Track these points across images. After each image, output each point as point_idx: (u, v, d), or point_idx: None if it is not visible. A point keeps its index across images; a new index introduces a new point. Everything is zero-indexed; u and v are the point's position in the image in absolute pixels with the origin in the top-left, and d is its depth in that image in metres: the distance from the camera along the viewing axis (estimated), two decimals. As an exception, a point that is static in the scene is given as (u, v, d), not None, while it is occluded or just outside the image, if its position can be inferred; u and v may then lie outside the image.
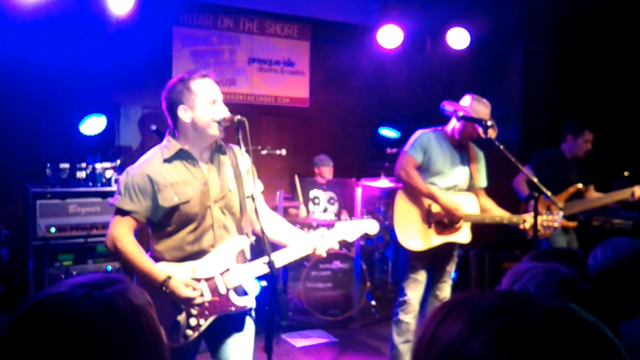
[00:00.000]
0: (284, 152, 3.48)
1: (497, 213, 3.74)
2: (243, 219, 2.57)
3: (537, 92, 6.09)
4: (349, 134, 6.82)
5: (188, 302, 2.36)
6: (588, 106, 5.75)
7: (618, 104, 5.77)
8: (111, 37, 5.16)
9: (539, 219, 3.30)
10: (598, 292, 1.25)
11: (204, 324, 2.42)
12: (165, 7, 5.66)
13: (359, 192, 5.30)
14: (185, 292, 2.33)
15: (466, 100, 3.70)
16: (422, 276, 3.76)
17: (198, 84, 2.46)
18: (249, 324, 2.59)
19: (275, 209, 5.01)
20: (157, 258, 2.46)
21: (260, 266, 2.47)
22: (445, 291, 3.87)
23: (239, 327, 2.55)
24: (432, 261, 3.81)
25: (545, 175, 4.53)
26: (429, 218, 3.69)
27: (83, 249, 4.52)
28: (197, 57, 5.95)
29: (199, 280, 2.43)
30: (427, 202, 3.69)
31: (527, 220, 3.54)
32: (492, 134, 3.42)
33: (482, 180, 3.87)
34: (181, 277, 2.37)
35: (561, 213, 3.29)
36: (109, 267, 4.58)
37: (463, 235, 3.72)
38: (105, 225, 4.48)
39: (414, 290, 3.75)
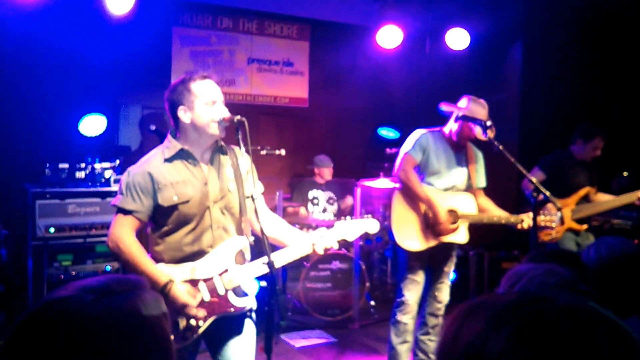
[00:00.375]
0: (283, 152, 3.47)
1: (496, 213, 3.75)
2: (242, 220, 2.57)
3: (536, 93, 6.10)
4: (348, 134, 6.82)
5: (185, 309, 2.36)
6: (588, 106, 5.75)
7: (617, 104, 5.78)
8: (110, 37, 5.16)
9: (537, 218, 3.30)
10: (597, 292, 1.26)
11: (203, 325, 2.42)
12: (164, 7, 5.66)
13: (358, 192, 5.30)
14: (185, 298, 2.34)
15: (463, 102, 3.71)
16: (420, 277, 3.76)
17: (198, 85, 2.47)
18: (249, 325, 2.59)
19: (274, 209, 5.01)
20: (156, 259, 2.47)
21: (259, 266, 2.47)
22: (443, 292, 3.87)
23: (239, 328, 2.55)
24: (430, 262, 3.81)
25: (555, 177, 4.54)
26: (426, 219, 3.69)
27: (82, 249, 4.51)
28: (196, 58, 5.95)
29: (197, 281, 2.43)
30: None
31: (524, 220, 3.54)
32: (490, 134, 3.43)
33: (480, 181, 3.87)
34: (184, 285, 2.38)
35: (559, 213, 3.30)
36: (108, 267, 4.58)
37: (460, 235, 3.72)
38: (104, 226, 4.48)
39: (412, 291, 3.75)
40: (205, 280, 2.44)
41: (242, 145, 2.40)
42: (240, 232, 2.58)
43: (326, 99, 6.67)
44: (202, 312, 2.39)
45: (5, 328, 4.36)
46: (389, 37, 6.04)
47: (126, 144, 5.85)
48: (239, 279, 2.48)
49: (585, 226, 4.55)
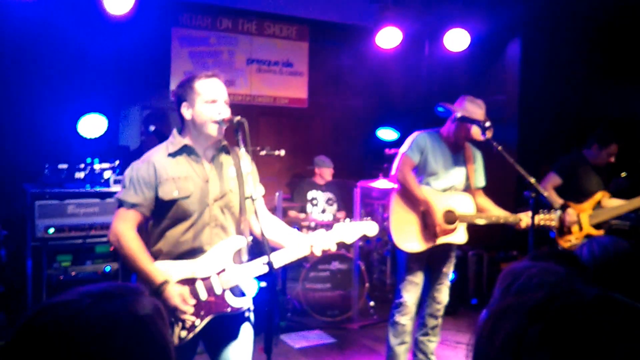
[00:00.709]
0: (282, 152, 3.48)
1: (494, 213, 3.75)
2: (242, 220, 2.57)
3: (535, 94, 6.10)
4: (347, 135, 6.83)
5: (176, 312, 2.36)
6: (587, 107, 5.76)
7: (617, 105, 5.78)
8: (109, 38, 5.17)
9: (536, 218, 3.31)
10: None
11: (199, 324, 2.42)
12: (164, 8, 5.66)
13: (357, 193, 5.31)
14: (176, 301, 2.34)
15: (460, 102, 3.71)
16: (418, 278, 3.77)
17: (201, 84, 2.50)
18: (247, 326, 2.59)
19: (274, 209, 5.01)
20: (155, 254, 2.48)
21: (257, 267, 2.48)
22: (443, 293, 3.87)
23: (237, 330, 2.56)
24: (429, 263, 3.81)
25: (571, 182, 4.56)
26: (424, 219, 3.69)
27: (82, 249, 4.50)
28: (195, 58, 5.95)
29: (195, 279, 2.44)
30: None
31: (523, 219, 3.54)
32: (488, 134, 3.43)
33: (479, 180, 3.87)
34: (177, 287, 2.38)
35: (558, 212, 3.30)
36: (108, 268, 4.58)
37: (459, 235, 3.72)
38: (104, 226, 4.48)
39: (411, 292, 3.75)
40: (202, 279, 2.45)
41: (241, 145, 2.41)
42: (239, 232, 2.59)
43: (325, 99, 6.67)
44: (191, 318, 2.39)
45: (4, 329, 4.35)
46: (388, 37, 6.05)
47: (125, 144, 5.85)
48: (237, 279, 2.49)
49: (602, 232, 4.55)
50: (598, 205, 4.63)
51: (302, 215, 5.83)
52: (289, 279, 5.26)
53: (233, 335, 2.55)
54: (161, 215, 2.48)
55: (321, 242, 2.57)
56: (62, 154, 4.85)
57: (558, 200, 4.57)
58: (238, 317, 2.56)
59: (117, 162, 4.79)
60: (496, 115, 5.82)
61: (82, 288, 0.93)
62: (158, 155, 2.52)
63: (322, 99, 6.64)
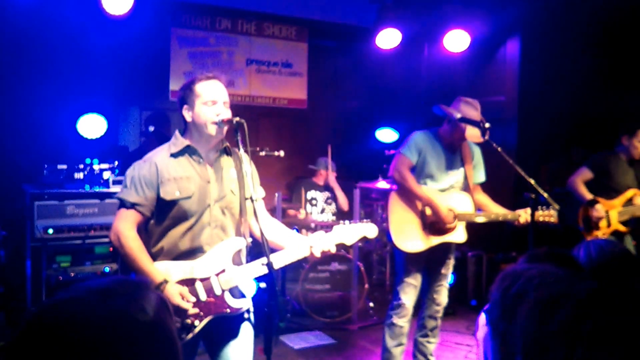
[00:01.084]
0: (282, 153, 3.46)
1: (493, 210, 3.74)
2: (242, 221, 2.58)
3: (535, 94, 6.10)
4: (347, 136, 6.82)
5: (177, 311, 2.36)
6: (587, 108, 5.76)
7: (616, 105, 5.78)
8: (109, 38, 5.16)
9: (535, 214, 3.31)
10: None
11: (199, 325, 2.42)
12: (163, 8, 5.66)
13: (356, 194, 5.30)
14: (177, 300, 2.35)
15: (455, 104, 3.70)
16: (417, 280, 3.77)
17: (201, 85, 2.52)
18: (247, 327, 2.59)
19: (273, 210, 5.01)
20: (154, 254, 2.48)
21: (257, 268, 2.48)
22: (442, 294, 3.87)
23: (237, 330, 2.56)
24: (428, 265, 3.81)
25: (602, 177, 4.57)
26: (423, 219, 3.69)
27: (81, 250, 4.50)
28: (195, 59, 5.95)
29: (194, 280, 2.44)
30: (420, 203, 3.69)
31: (522, 215, 3.54)
32: (485, 136, 3.44)
33: (478, 177, 3.87)
34: (177, 287, 2.39)
35: (556, 205, 3.30)
36: (107, 269, 4.57)
37: (458, 235, 3.72)
38: (103, 227, 4.48)
39: (409, 294, 3.75)
40: (202, 280, 2.45)
41: (240, 146, 2.42)
42: (239, 233, 2.59)
43: (325, 100, 6.67)
44: (195, 311, 2.40)
45: (4, 329, 4.35)
46: (388, 38, 6.05)
47: (124, 144, 5.85)
48: (236, 280, 2.49)
49: (628, 228, 4.55)
50: (629, 202, 4.62)
51: (301, 216, 5.82)
52: (289, 280, 5.26)
53: (233, 335, 2.55)
54: (162, 215, 2.49)
55: (321, 244, 2.57)
56: (62, 155, 4.84)
57: (587, 195, 4.58)
58: (238, 317, 2.56)
59: (116, 163, 4.79)
60: (495, 116, 5.82)
61: (84, 285, 0.92)
62: (160, 155, 2.53)
63: (322, 99, 6.64)
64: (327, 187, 6.06)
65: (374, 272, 6.37)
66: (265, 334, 2.26)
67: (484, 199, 3.84)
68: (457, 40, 6.14)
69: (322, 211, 6.01)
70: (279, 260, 2.52)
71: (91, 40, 5.14)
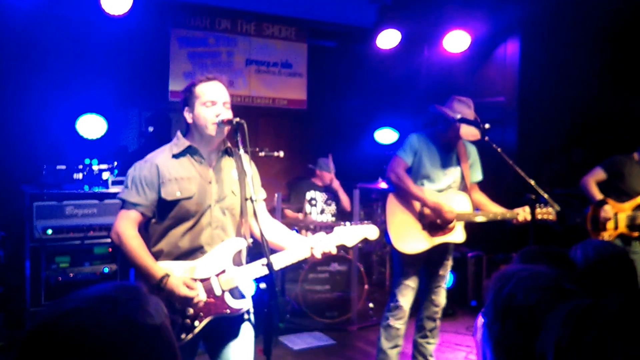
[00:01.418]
0: (281, 154, 3.46)
1: (491, 209, 3.74)
2: (242, 222, 2.58)
3: (535, 95, 6.10)
4: (346, 136, 6.81)
5: (185, 301, 2.36)
6: (587, 108, 5.75)
7: (617, 106, 5.78)
8: (108, 38, 5.15)
9: (534, 212, 3.30)
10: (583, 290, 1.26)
11: (199, 325, 2.42)
12: (162, 8, 5.65)
13: (356, 194, 5.30)
14: (183, 290, 2.34)
15: (449, 104, 3.69)
16: (414, 282, 3.76)
17: (201, 87, 2.54)
18: (248, 328, 2.59)
19: (272, 210, 5.00)
20: (155, 254, 2.48)
21: (257, 268, 2.48)
22: (440, 296, 3.87)
23: (237, 331, 2.55)
24: (426, 266, 3.81)
25: (615, 179, 4.57)
26: (421, 220, 3.69)
27: (80, 250, 4.50)
28: (194, 59, 5.94)
29: (194, 280, 2.43)
30: (418, 204, 3.69)
31: (520, 214, 3.53)
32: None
33: (475, 176, 3.86)
34: (180, 276, 2.39)
35: (556, 206, 3.29)
36: (106, 269, 4.56)
37: (457, 235, 3.71)
38: (102, 227, 4.48)
39: (407, 296, 3.75)
40: (202, 280, 2.45)
41: (240, 147, 2.42)
42: (239, 233, 2.59)
43: (325, 100, 6.66)
44: (202, 298, 2.40)
45: (3, 329, 4.34)
46: (388, 39, 6.04)
47: (124, 145, 5.83)
48: (236, 280, 2.48)
49: (637, 233, 4.54)
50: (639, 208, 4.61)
51: (301, 216, 5.82)
52: (288, 281, 5.25)
53: (233, 335, 2.55)
54: (163, 215, 2.49)
55: (321, 245, 2.57)
56: (61, 155, 4.84)
57: (598, 195, 4.58)
58: (238, 318, 2.56)
59: (115, 163, 4.79)
60: (495, 117, 5.81)
61: (86, 292, 0.92)
62: (162, 156, 2.54)
63: (322, 100, 6.63)
64: (326, 188, 6.05)
65: (373, 272, 6.37)
66: (265, 335, 2.25)
67: (482, 198, 3.84)
68: (457, 41, 6.14)
69: (322, 212, 6.00)
70: (280, 261, 2.52)
71: (91, 40, 5.13)
